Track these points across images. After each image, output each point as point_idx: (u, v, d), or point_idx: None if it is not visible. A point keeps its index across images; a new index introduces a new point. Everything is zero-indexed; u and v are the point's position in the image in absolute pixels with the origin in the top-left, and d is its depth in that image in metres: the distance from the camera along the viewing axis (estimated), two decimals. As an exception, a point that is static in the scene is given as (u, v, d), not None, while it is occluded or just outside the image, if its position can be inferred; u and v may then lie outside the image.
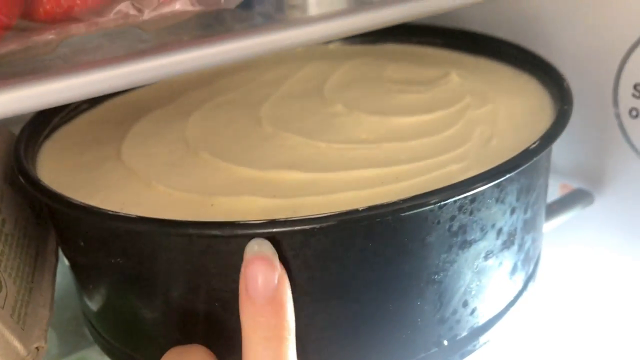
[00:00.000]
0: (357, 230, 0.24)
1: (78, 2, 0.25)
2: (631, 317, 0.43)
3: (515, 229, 0.29)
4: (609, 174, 0.41)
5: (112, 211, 0.25)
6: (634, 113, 0.38)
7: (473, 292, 0.28)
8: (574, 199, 0.42)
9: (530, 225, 0.30)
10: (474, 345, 0.30)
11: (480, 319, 0.30)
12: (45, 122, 0.35)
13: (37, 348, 0.26)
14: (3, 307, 0.25)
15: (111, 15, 0.26)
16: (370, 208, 0.23)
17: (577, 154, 0.42)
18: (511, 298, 0.31)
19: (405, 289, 0.26)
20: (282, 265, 0.24)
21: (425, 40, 0.45)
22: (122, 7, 0.26)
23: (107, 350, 0.32)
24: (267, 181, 0.29)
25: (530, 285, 0.33)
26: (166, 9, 0.26)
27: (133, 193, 0.29)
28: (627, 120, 0.39)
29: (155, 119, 0.37)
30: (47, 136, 0.35)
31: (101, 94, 0.22)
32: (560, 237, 0.44)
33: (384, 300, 0.26)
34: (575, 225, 0.43)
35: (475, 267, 0.28)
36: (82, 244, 0.28)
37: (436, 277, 0.26)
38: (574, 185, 0.43)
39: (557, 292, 0.46)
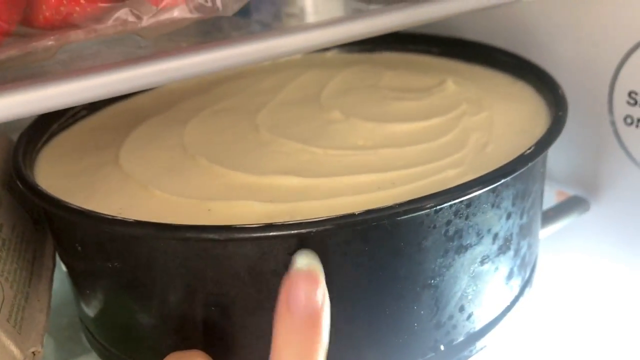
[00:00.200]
0: (353, 234, 0.24)
1: (77, 9, 0.25)
2: (627, 324, 0.43)
3: (511, 234, 0.29)
4: (604, 181, 0.41)
5: (109, 215, 0.25)
6: (628, 120, 0.38)
7: (469, 297, 0.28)
8: (570, 205, 0.42)
9: (526, 231, 0.31)
10: (471, 351, 0.30)
11: (477, 324, 0.30)
12: (44, 128, 0.36)
13: (33, 352, 0.26)
14: (0, 311, 0.25)
15: (110, 22, 0.26)
16: (366, 212, 0.23)
17: (572, 161, 0.43)
18: (508, 303, 0.31)
19: (402, 294, 0.26)
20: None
21: (421, 49, 0.46)
22: (121, 14, 0.26)
23: (104, 356, 0.32)
24: (263, 186, 0.29)
25: (527, 290, 0.33)
26: (164, 16, 0.26)
27: (130, 197, 0.29)
28: (622, 128, 0.39)
29: (153, 125, 0.38)
30: (46, 142, 0.36)
31: (99, 98, 0.22)
32: (557, 243, 0.44)
33: (380, 305, 0.26)
34: (571, 232, 0.43)
35: (471, 272, 0.28)
36: (79, 248, 0.28)
37: (432, 281, 0.27)
38: (570, 192, 0.43)
39: (554, 299, 0.46)
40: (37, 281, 0.30)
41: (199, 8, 0.27)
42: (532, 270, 0.34)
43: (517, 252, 0.30)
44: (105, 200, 0.29)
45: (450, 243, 0.26)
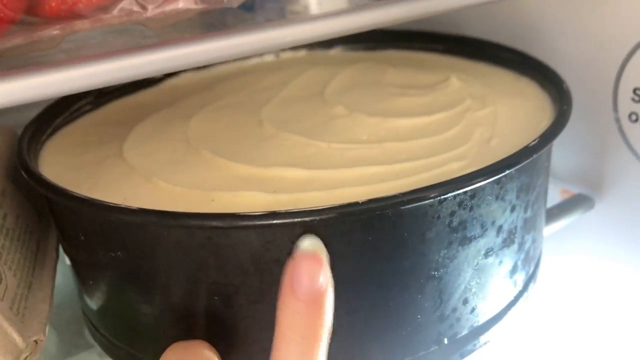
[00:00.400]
0: (356, 223, 0.24)
1: (83, -1, 0.25)
2: (631, 323, 0.42)
3: (515, 227, 0.29)
4: (609, 178, 0.41)
5: (112, 203, 0.25)
6: (633, 117, 0.38)
7: (473, 290, 0.28)
8: (575, 203, 0.42)
9: (530, 225, 0.30)
10: (474, 345, 0.30)
11: (481, 317, 0.29)
12: (48, 122, 0.36)
13: (35, 341, 0.26)
14: (2, 299, 0.25)
15: (115, 12, 0.26)
16: (370, 201, 0.23)
17: (577, 158, 0.42)
18: (512, 298, 0.31)
19: (405, 285, 0.26)
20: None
21: (425, 47, 0.46)
22: (126, 4, 0.26)
23: (106, 349, 0.32)
24: (267, 178, 0.29)
25: (531, 286, 0.33)
26: (170, 7, 0.27)
27: (134, 188, 0.29)
28: (626, 125, 0.39)
29: (158, 120, 0.38)
30: (50, 135, 0.36)
31: (103, 85, 0.22)
32: (561, 242, 0.44)
33: (384, 296, 0.26)
34: (576, 231, 0.43)
35: (475, 264, 0.28)
36: (82, 238, 0.28)
37: (436, 273, 0.26)
38: (575, 190, 0.43)
39: (558, 297, 0.46)
40: (40, 271, 0.30)
41: (204, -1, 0.27)
42: (537, 266, 0.34)
43: (521, 246, 0.30)
44: (108, 190, 0.29)
45: (454, 234, 0.26)
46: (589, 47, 0.39)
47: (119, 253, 0.26)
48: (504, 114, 0.35)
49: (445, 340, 0.28)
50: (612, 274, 0.43)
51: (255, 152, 0.32)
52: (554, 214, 0.40)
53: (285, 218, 0.23)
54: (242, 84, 0.43)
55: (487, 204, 0.27)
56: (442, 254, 0.26)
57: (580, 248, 0.44)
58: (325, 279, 0.24)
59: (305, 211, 0.23)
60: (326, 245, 0.24)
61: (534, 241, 0.32)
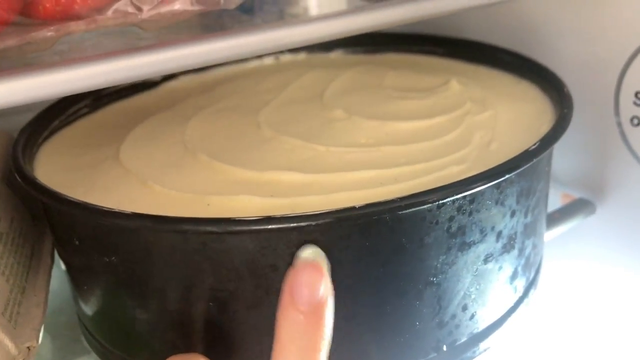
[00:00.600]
0: (354, 228, 0.24)
1: (78, 0, 0.25)
2: (633, 329, 0.42)
3: (515, 233, 0.29)
4: (610, 183, 0.40)
5: (106, 207, 0.24)
6: (635, 121, 0.38)
7: (472, 296, 0.28)
8: (576, 208, 0.41)
9: (530, 230, 0.30)
10: (474, 352, 0.29)
11: (480, 324, 0.29)
12: (45, 124, 0.35)
13: (28, 347, 0.25)
14: (-5, 305, 0.25)
15: (110, 13, 0.26)
16: (367, 205, 0.23)
17: (578, 163, 0.42)
18: (511, 304, 0.31)
19: (403, 291, 0.26)
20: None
21: (425, 50, 0.45)
22: (121, 5, 0.25)
23: (102, 355, 0.31)
24: (264, 182, 0.29)
25: (532, 292, 0.33)
26: (165, 8, 0.26)
27: (129, 192, 0.29)
28: (628, 129, 0.38)
29: (155, 123, 0.37)
30: (46, 138, 0.35)
31: (98, 87, 0.22)
32: (562, 246, 0.43)
33: (382, 302, 0.26)
34: (577, 236, 0.42)
35: (474, 270, 0.27)
36: (76, 242, 0.27)
37: (435, 279, 0.26)
38: (576, 195, 0.43)
39: (559, 303, 0.45)
40: (34, 276, 0.29)
41: (200, 0, 0.27)
42: (537, 272, 0.33)
43: (521, 251, 0.30)
44: (104, 194, 0.29)
45: (453, 240, 0.26)
46: (591, 51, 0.39)
47: (113, 258, 0.26)
48: (504, 118, 0.34)
49: (444, 347, 0.28)
50: (613, 279, 0.42)
51: (252, 155, 0.32)
52: (555, 218, 0.40)
53: (281, 223, 0.23)
54: (241, 86, 0.43)
55: (486, 209, 0.26)
56: (440, 260, 0.26)
57: (581, 253, 0.44)
58: (326, 290, 0.23)
59: (301, 216, 0.23)
60: (323, 250, 0.24)
61: (534, 247, 0.31)
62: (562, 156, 0.42)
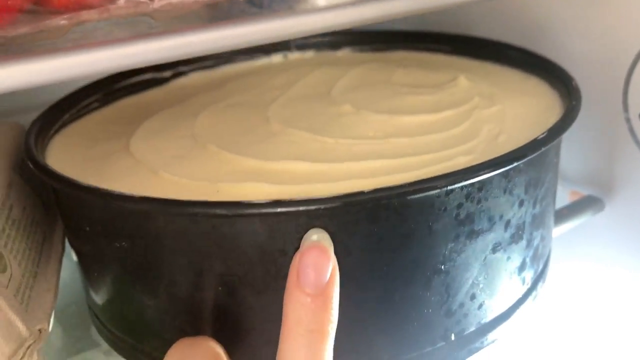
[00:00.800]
0: (362, 214, 0.24)
1: (91, -9, 0.25)
2: (643, 327, 0.42)
3: (523, 223, 0.29)
4: (619, 179, 0.40)
5: (116, 191, 0.25)
6: (644, 117, 0.38)
7: (481, 286, 0.28)
8: (585, 205, 0.41)
9: (539, 222, 0.30)
10: (482, 342, 0.29)
11: (489, 314, 0.29)
12: (56, 117, 0.36)
13: (39, 330, 0.26)
14: (7, 287, 0.25)
15: (122, 3, 0.26)
16: (375, 190, 0.23)
17: (587, 160, 0.42)
18: (520, 296, 0.31)
19: (411, 278, 0.26)
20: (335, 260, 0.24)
21: (433, 48, 0.46)
22: (133, -6, 0.26)
23: (112, 343, 0.32)
24: (273, 171, 0.29)
25: (540, 285, 0.33)
26: (177, -2, 0.27)
27: (139, 181, 0.29)
28: (637, 124, 0.38)
29: (165, 118, 0.38)
30: (57, 131, 0.36)
31: (109, 72, 0.22)
32: (571, 244, 0.43)
33: (390, 289, 0.26)
34: (586, 233, 0.42)
35: (483, 259, 0.27)
36: (87, 228, 0.28)
37: (443, 266, 0.26)
38: (584, 192, 0.42)
39: (567, 302, 0.45)
40: (45, 262, 0.30)
41: (211, -10, 0.27)
42: (545, 265, 0.33)
43: (529, 242, 0.30)
44: (114, 183, 0.29)
45: (462, 227, 0.26)
46: (599, 47, 0.39)
47: (124, 243, 0.26)
48: (513, 112, 0.34)
49: (452, 337, 0.28)
50: (623, 276, 0.42)
51: (261, 146, 0.32)
52: (563, 215, 0.40)
53: (289, 206, 0.23)
54: (250, 83, 0.43)
55: (494, 198, 0.26)
56: (449, 248, 0.26)
57: (590, 251, 0.43)
58: (332, 272, 0.23)
59: (309, 200, 0.23)
60: (331, 236, 0.24)
61: (542, 239, 0.31)
62: (570, 153, 0.42)
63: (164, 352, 0.25)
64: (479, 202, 0.26)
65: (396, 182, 0.24)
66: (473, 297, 0.28)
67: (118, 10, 0.26)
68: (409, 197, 0.24)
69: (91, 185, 0.25)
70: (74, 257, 0.32)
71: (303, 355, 0.23)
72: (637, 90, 0.38)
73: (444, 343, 0.28)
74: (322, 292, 0.23)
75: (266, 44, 0.47)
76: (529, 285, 0.31)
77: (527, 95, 0.36)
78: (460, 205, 0.25)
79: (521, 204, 0.28)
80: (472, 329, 0.29)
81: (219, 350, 0.25)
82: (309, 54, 0.48)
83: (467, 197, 0.25)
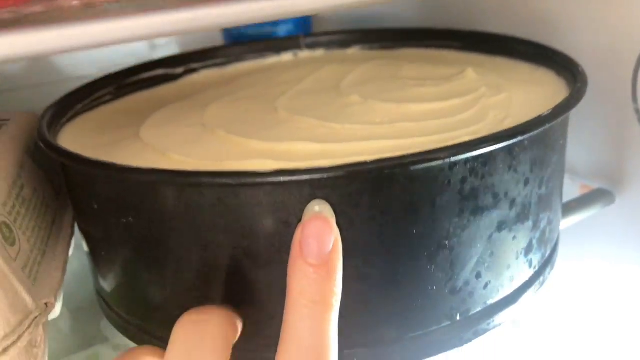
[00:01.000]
0: (366, 185, 0.24)
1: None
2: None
3: (529, 203, 0.28)
4: (630, 171, 0.40)
5: (124, 164, 0.25)
6: (653, 108, 0.38)
7: (486, 264, 0.28)
8: (595, 197, 0.41)
9: (545, 203, 0.30)
10: (488, 324, 0.29)
11: (494, 295, 0.29)
12: (69, 106, 0.37)
13: (46, 304, 0.26)
14: (15, 260, 0.25)
15: (132, -16, 0.27)
16: (379, 160, 0.23)
17: (596, 152, 0.42)
18: (527, 279, 0.31)
19: (415, 253, 0.26)
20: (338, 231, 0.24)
21: (442, 44, 0.46)
22: (145, -25, 0.27)
23: (120, 327, 0.32)
24: (280, 151, 0.29)
25: (548, 271, 0.33)
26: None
27: (149, 162, 0.29)
28: (646, 115, 0.38)
29: (175, 109, 0.38)
30: (70, 120, 0.36)
31: (116, 43, 0.23)
32: (581, 235, 0.43)
33: (393, 263, 0.26)
34: (596, 225, 0.42)
35: (488, 236, 0.27)
36: (95, 206, 0.28)
37: (447, 242, 0.26)
38: (594, 185, 0.42)
39: (576, 297, 0.45)
40: (54, 243, 0.30)
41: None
42: (553, 251, 0.33)
43: (536, 223, 0.30)
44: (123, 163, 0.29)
45: (466, 203, 0.26)
46: (607, 38, 0.39)
47: (130, 219, 0.26)
48: (519, 99, 0.35)
49: (458, 316, 0.28)
50: (633, 271, 0.41)
51: (268, 131, 0.32)
52: (572, 207, 0.40)
53: (293, 175, 0.23)
54: (259, 79, 0.44)
55: (499, 174, 0.26)
56: (453, 223, 0.26)
57: (600, 244, 0.43)
58: (335, 243, 0.24)
59: (313, 169, 0.23)
60: (334, 208, 0.24)
61: (549, 222, 0.31)
62: (580, 146, 0.42)
63: (169, 331, 0.25)
64: (483, 177, 0.26)
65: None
66: (478, 275, 0.28)
67: (128, -9, 0.27)
68: (412, 168, 0.24)
69: (99, 159, 0.26)
70: (85, 248, 0.32)
71: (307, 327, 0.23)
72: (646, 80, 0.38)
73: (449, 322, 0.28)
74: (325, 263, 0.23)
75: (276, 43, 0.48)
76: (536, 269, 0.31)
77: (534, 85, 0.36)
78: (464, 180, 0.25)
79: (527, 182, 0.28)
80: (478, 309, 0.28)
81: (226, 325, 0.25)
82: (319, 52, 0.49)
83: (472, 171, 0.25)
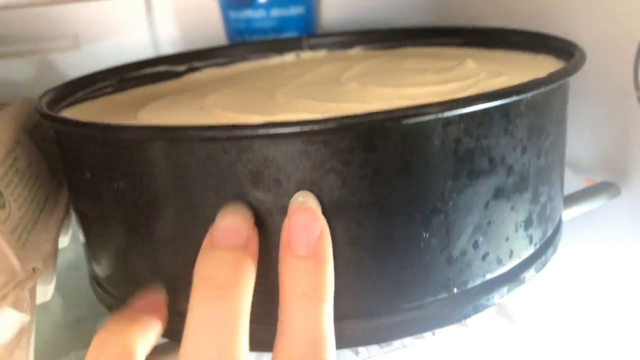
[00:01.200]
0: (357, 141, 0.24)
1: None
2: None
3: (527, 172, 0.28)
4: (634, 162, 0.39)
5: (112, 123, 0.25)
6: (656, 95, 0.37)
7: (484, 233, 0.27)
8: (600, 190, 0.40)
9: (545, 177, 0.29)
10: (488, 300, 0.28)
11: (493, 268, 0.28)
12: (69, 91, 0.37)
13: (33, 269, 0.25)
14: (4, 223, 0.25)
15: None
16: (371, 114, 0.23)
17: (600, 144, 0.41)
18: (527, 256, 0.30)
19: (409, 215, 0.25)
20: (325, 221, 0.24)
21: (443, 41, 0.46)
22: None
23: (111, 308, 0.31)
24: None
25: (550, 252, 0.32)
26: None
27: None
28: (649, 102, 0.38)
29: (175, 99, 0.38)
30: (69, 105, 0.37)
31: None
32: (586, 226, 0.42)
33: (387, 226, 0.25)
34: (601, 217, 0.41)
35: (485, 203, 0.27)
36: (87, 175, 0.28)
37: (442, 205, 0.25)
38: (599, 179, 0.41)
39: (581, 288, 0.44)
40: (47, 217, 0.30)
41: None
42: (555, 232, 0.32)
43: (535, 196, 0.29)
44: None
45: (461, 165, 0.25)
46: (608, 26, 0.39)
47: (121, 182, 0.26)
48: (518, 80, 0.34)
49: (455, 289, 0.27)
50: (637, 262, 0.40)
51: (265, 110, 0.32)
52: (577, 198, 0.39)
53: (284, 127, 0.23)
54: (261, 76, 0.44)
55: (495, 137, 0.26)
56: (448, 185, 0.25)
57: (606, 236, 0.42)
58: (321, 232, 0.23)
59: (304, 121, 0.23)
60: (325, 164, 0.24)
61: (550, 199, 0.31)
62: (582, 138, 0.41)
63: None
64: (478, 139, 0.25)
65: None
66: (476, 244, 0.27)
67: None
68: (404, 122, 0.24)
69: (90, 120, 0.26)
70: (82, 239, 0.32)
71: (301, 320, 0.23)
72: (648, 67, 0.37)
73: (446, 295, 0.27)
74: (312, 254, 0.23)
75: (279, 44, 0.49)
76: (537, 247, 0.30)
77: (533, 69, 0.36)
78: (458, 140, 0.25)
79: (524, 150, 0.27)
80: (477, 282, 0.28)
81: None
82: (321, 53, 0.49)
83: (466, 132, 0.25)
